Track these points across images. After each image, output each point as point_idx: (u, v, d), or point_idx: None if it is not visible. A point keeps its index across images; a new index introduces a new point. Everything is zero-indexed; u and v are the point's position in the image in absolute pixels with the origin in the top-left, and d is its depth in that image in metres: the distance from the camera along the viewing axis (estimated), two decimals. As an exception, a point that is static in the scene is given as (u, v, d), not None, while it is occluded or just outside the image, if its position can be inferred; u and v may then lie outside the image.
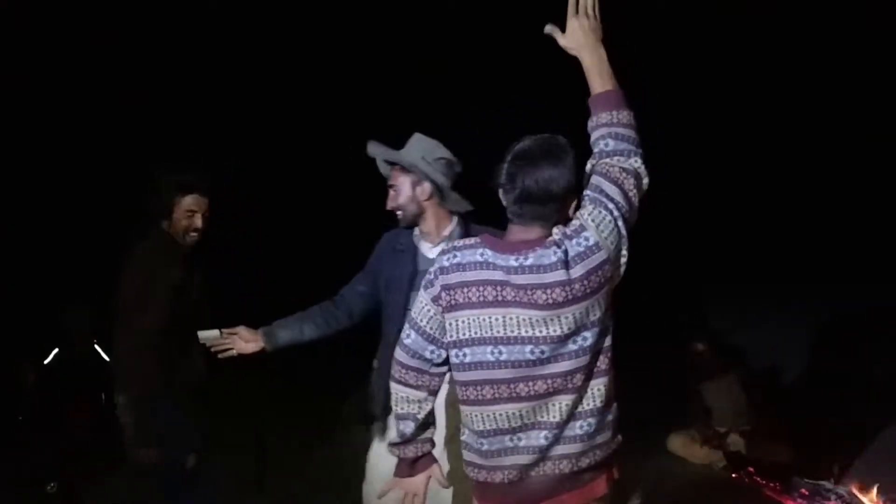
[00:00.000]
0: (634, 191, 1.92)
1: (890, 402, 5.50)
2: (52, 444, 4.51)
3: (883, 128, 9.66)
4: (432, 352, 2.00)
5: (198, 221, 3.08)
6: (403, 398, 2.06)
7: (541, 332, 1.83)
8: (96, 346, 4.99)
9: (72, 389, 4.83)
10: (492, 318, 1.86)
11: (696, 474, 4.51)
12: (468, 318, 1.89)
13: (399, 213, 2.72)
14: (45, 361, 4.79)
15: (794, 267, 9.36)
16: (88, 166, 8.07)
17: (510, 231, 1.93)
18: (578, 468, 1.93)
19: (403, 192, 2.69)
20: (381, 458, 2.60)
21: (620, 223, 1.86)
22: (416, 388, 2.04)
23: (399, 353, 2.04)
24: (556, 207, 1.89)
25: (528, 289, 1.81)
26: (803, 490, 4.09)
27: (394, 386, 2.07)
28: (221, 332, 2.89)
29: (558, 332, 1.83)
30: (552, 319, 1.82)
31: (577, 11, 2.04)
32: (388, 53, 10.11)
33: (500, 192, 1.91)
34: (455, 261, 1.92)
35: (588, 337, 1.86)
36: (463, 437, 2.03)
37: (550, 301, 1.80)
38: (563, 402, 1.88)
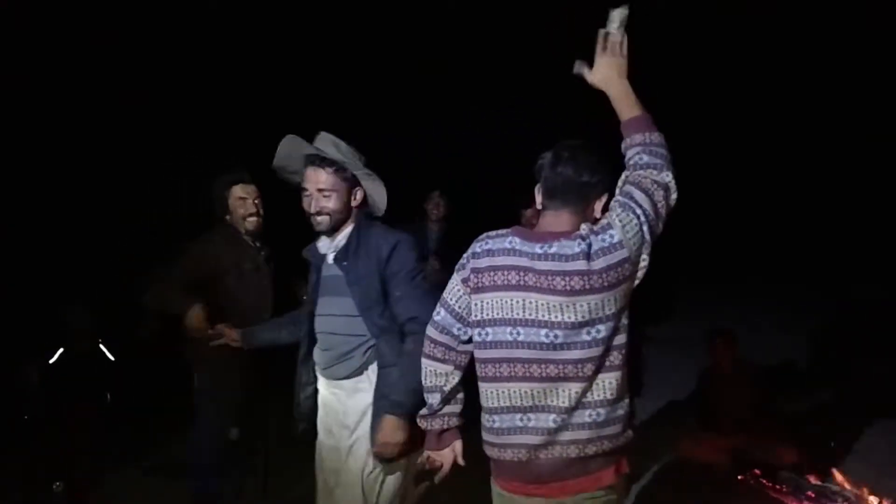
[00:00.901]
0: (663, 202, 2.05)
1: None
2: (58, 443, 4.52)
3: (881, 130, 9.68)
4: (459, 329, 2.17)
5: (250, 206, 3.45)
6: (432, 372, 2.23)
7: (556, 317, 1.95)
8: (101, 346, 5.01)
9: (77, 389, 4.85)
10: (513, 301, 2.01)
11: (701, 475, 4.48)
12: (492, 300, 2.04)
13: (323, 218, 2.60)
14: (51, 361, 4.80)
15: (804, 268, 9.35)
16: (88, 166, 8.11)
17: (541, 223, 2.09)
18: (585, 455, 2.01)
19: (338, 197, 2.59)
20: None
21: (645, 228, 1.98)
22: (444, 361, 2.21)
23: (430, 330, 2.22)
24: (585, 200, 2.06)
25: (549, 275, 1.95)
26: (809, 492, 4.06)
27: (424, 361, 2.24)
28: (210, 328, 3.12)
29: (572, 320, 1.94)
30: (567, 306, 1.94)
31: (604, 49, 2.16)
32: (387, 53, 10.15)
33: (540, 182, 2.11)
34: (486, 247, 2.09)
35: (602, 330, 1.96)
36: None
37: (568, 288, 1.93)
38: (573, 389, 1.98)
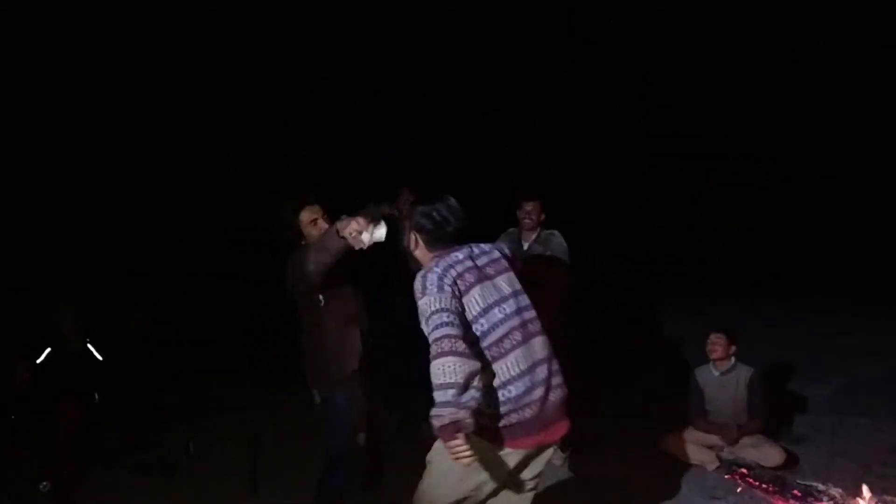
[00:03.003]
0: None
1: (881, 402, 5.52)
2: (45, 443, 4.50)
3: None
4: (465, 330, 2.45)
5: (322, 224, 3.40)
6: (469, 368, 2.32)
7: (507, 290, 2.63)
8: (89, 346, 4.99)
9: (65, 388, 4.83)
10: (484, 290, 2.55)
11: (688, 474, 4.50)
12: (473, 296, 2.51)
13: None
14: (38, 361, 4.78)
15: (796, 269, 9.41)
16: (77, 168, 8.09)
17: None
18: (564, 397, 2.63)
19: None
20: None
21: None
22: (475, 358, 2.37)
23: (452, 331, 2.37)
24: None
25: (487, 265, 2.65)
26: (795, 491, 4.09)
27: (454, 361, 2.29)
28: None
29: (514, 288, 2.66)
30: (507, 281, 2.65)
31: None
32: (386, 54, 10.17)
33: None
34: (445, 264, 2.54)
35: (522, 298, 2.65)
36: (483, 405, 2.37)
37: (502, 269, 2.68)
38: (539, 341, 2.61)
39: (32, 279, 6.38)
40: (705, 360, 4.88)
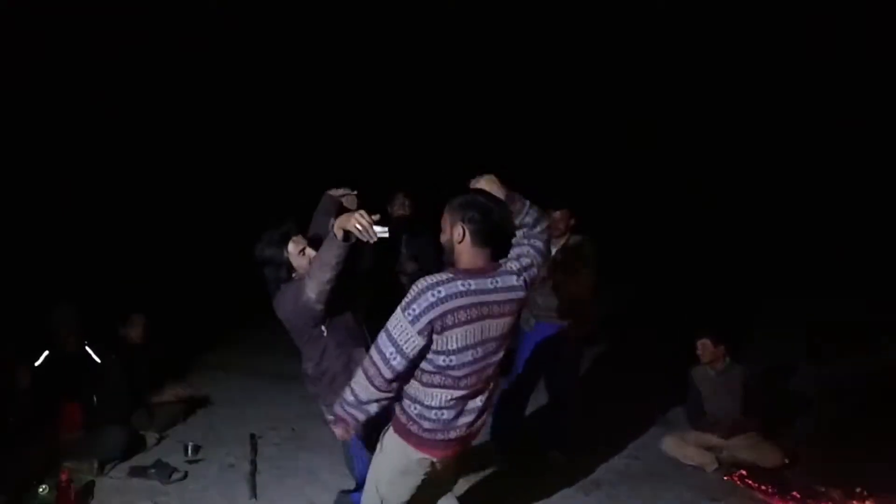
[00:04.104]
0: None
1: (879, 403, 5.53)
2: (44, 446, 4.49)
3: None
4: (409, 370, 2.57)
5: (310, 253, 3.24)
6: (382, 399, 2.64)
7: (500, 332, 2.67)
8: (87, 348, 4.97)
9: (63, 391, 4.82)
10: (474, 329, 2.55)
11: (687, 476, 4.50)
12: (457, 334, 2.51)
13: None
14: (36, 363, 4.77)
15: (795, 278, 9.44)
16: (72, 169, 8.08)
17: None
18: (484, 423, 2.80)
19: None
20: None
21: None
22: (390, 393, 2.63)
23: (384, 371, 2.54)
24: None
25: (499, 304, 2.62)
26: (795, 493, 4.09)
27: (374, 392, 2.60)
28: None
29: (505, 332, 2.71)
30: (506, 323, 2.68)
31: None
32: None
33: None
34: (440, 295, 2.48)
35: (500, 344, 2.69)
36: (414, 412, 2.64)
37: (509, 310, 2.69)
38: (491, 384, 2.74)
39: (30, 281, 6.36)
40: (701, 360, 4.90)
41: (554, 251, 4.63)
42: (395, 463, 2.77)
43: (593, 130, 11.57)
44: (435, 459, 2.72)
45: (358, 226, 2.82)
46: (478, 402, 2.69)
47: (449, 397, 2.61)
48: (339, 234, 2.88)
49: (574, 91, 11.35)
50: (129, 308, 5.45)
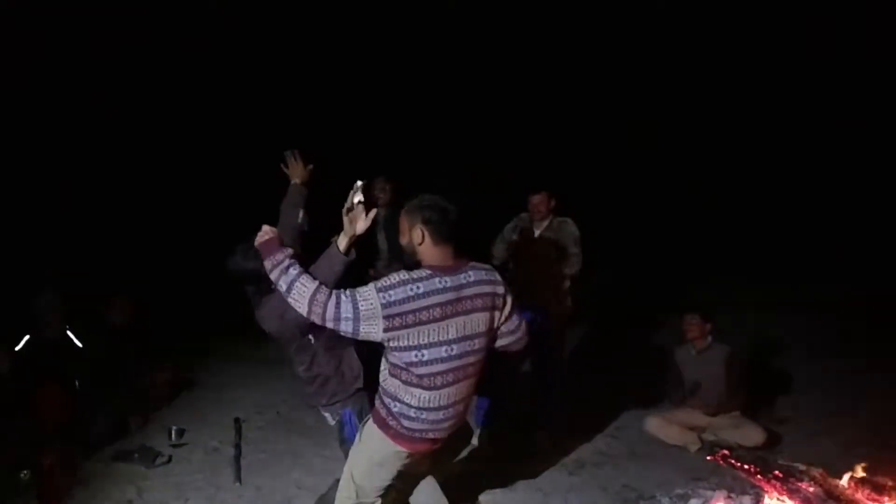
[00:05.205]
0: None
1: (862, 384, 5.59)
2: (25, 431, 4.45)
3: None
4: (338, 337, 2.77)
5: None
6: (293, 302, 2.67)
7: (479, 329, 2.73)
8: (68, 332, 4.93)
9: (45, 376, 4.77)
10: (448, 325, 2.64)
11: (670, 456, 4.53)
12: (428, 329, 2.59)
13: None
14: (17, 348, 4.71)
15: (784, 263, 9.50)
16: (56, 155, 8.01)
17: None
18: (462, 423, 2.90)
19: None
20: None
21: None
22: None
23: (326, 318, 2.57)
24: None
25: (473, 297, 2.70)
26: (777, 472, 4.12)
27: (300, 307, 2.63)
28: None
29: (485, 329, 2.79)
30: (485, 319, 2.76)
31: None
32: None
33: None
34: (412, 293, 2.56)
35: (479, 342, 2.74)
36: (394, 409, 2.70)
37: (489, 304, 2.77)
38: (470, 383, 2.78)
39: (10, 265, 6.29)
40: (685, 339, 4.93)
41: (537, 233, 4.68)
42: (373, 454, 2.83)
43: (593, 130, 11.61)
44: (412, 452, 2.80)
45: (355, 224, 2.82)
46: (455, 409, 2.74)
47: (428, 397, 2.65)
48: (343, 247, 2.84)
49: (574, 91, 11.41)
50: (114, 291, 5.41)
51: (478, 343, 2.72)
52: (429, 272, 2.61)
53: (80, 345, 4.93)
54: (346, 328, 2.55)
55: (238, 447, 4.52)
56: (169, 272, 7.85)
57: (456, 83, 11.04)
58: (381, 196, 5.12)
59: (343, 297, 2.56)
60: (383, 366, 2.77)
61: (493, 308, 2.75)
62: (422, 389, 2.65)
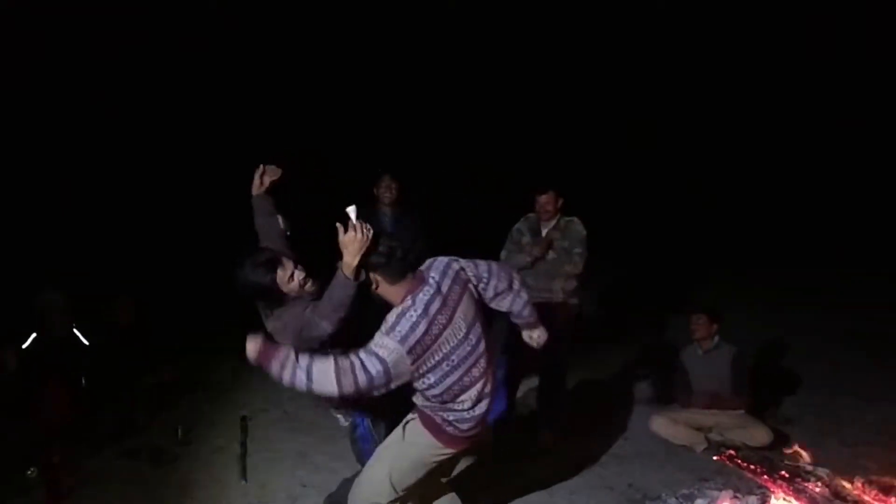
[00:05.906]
0: None
1: (866, 383, 5.57)
2: (32, 429, 4.46)
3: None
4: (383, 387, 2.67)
5: (298, 275, 3.04)
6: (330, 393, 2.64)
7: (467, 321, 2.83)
8: (75, 330, 4.93)
9: (51, 374, 4.78)
10: (452, 330, 2.77)
11: (677, 456, 4.52)
12: (441, 341, 2.71)
13: None
14: (24, 346, 4.72)
15: (786, 258, 9.48)
16: (60, 154, 8.02)
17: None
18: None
19: None
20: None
21: None
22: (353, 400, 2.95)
23: (361, 377, 2.58)
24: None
25: (452, 294, 2.80)
26: (783, 472, 4.12)
27: (329, 391, 2.61)
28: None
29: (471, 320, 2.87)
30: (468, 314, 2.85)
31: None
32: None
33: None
34: (417, 315, 2.67)
35: (477, 328, 2.86)
36: (451, 417, 2.83)
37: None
38: (488, 371, 2.90)
39: (17, 264, 6.30)
40: (692, 341, 4.92)
41: (545, 232, 4.68)
42: (419, 455, 2.92)
43: (593, 130, 11.60)
44: (457, 451, 2.95)
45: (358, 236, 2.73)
46: (488, 386, 2.89)
47: (474, 393, 2.81)
48: (351, 274, 2.76)
49: (574, 91, 11.40)
50: (118, 291, 5.41)
51: (479, 323, 2.86)
52: (409, 300, 2.70)
53: (86, 343, 4.94)
54: (379, 381, 2.61)
55: (244, 445, 4.51)
56: (169, 272, 7.85)
57: (456, 83, 11.04)
58: (387, 195, 5.07)
59: (362, 356, 2.61)
60: (420, 401, 2.90)
61: (466, 282, 2.86)
62: (467, 390, 2.80)
